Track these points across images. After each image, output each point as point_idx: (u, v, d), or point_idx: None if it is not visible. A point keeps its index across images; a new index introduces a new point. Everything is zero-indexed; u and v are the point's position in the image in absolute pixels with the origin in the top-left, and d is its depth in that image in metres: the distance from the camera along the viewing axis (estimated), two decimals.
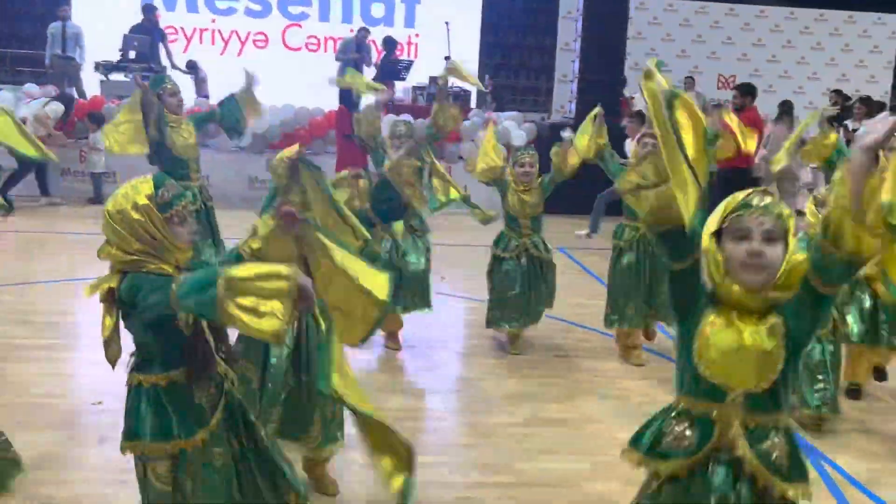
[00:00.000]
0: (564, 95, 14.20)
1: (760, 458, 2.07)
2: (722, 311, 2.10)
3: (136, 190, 2.36)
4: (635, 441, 2.25)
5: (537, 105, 17.53)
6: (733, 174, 8.11)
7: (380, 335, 5.43)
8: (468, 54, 14.49)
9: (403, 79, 12.38)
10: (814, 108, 15.62)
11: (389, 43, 12.83)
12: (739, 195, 2.12)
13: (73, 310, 6.08)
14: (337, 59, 12.78)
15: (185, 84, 12.74)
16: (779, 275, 2.05)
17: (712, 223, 2.10)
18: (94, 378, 4.62)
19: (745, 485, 2.09)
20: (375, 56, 13.02)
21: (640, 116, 8.88)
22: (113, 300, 2.35)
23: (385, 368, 5.23)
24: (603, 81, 11.12)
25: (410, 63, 12.90)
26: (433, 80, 12.34)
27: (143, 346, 2.43)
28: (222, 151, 10.60)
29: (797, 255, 2.07)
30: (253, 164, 10.68)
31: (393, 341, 5.52)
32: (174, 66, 12.54)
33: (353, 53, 12.54)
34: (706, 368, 2.10)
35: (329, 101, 12.20)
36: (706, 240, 2.09)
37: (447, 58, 12.41)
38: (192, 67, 13.02)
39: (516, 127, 11.41)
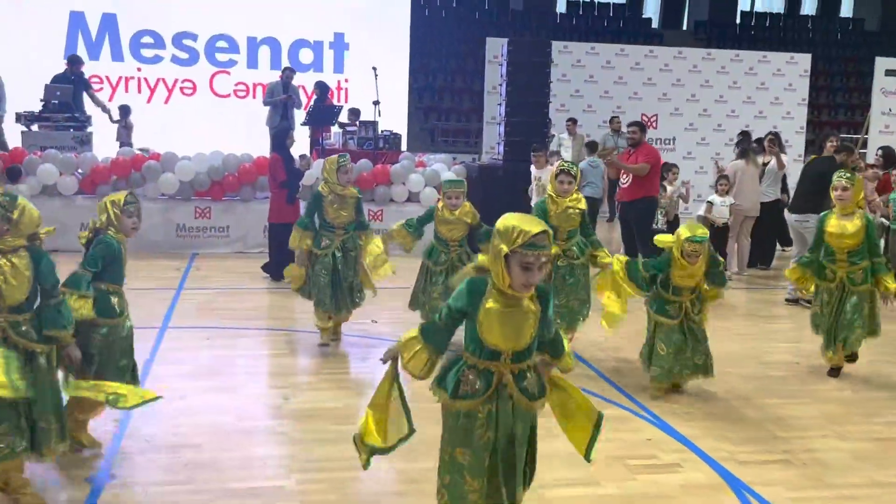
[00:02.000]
0: (493, 137, 14.44)
1: (522, 392, 3.05)
2: (498, 300, 2.95)
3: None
4: (440, 382, 3.10)
5: (468, 146, 17.78)
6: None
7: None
8: (397, 97, 14.68)
9: (334, 124, 12.44)
10: (733, 144, 16.20)
11: (322, 87, 12.90)
12: (530, 233, 2.82)
13: None
14: (265, 103, 12.81)
15: (111, 132, 12.63)
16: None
17: (504, 247, 2.84)
18: None
19: (512, 406, 3.05)
20: (304, 98, 13.08)
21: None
22: None
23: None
24: (529, 123, 11.34)
25: (340, 108, 12.97)
26: (363, 124, 12.42)
27: None
28: (148, 199, 10.45)
29: None
30: (178, 211, 10.54)
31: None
32: (105, 110, 12.37)
33: (280, 95, 12.57)
34: (489, 337, 2.97)
35: (258, 148, 12.20)
36: (497, 261, 2.88)
37: (376, 102, 12.56)
38: (124, 112, 12.88)
39: (446, 168, 11.54)
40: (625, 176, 9.18)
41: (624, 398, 5.51)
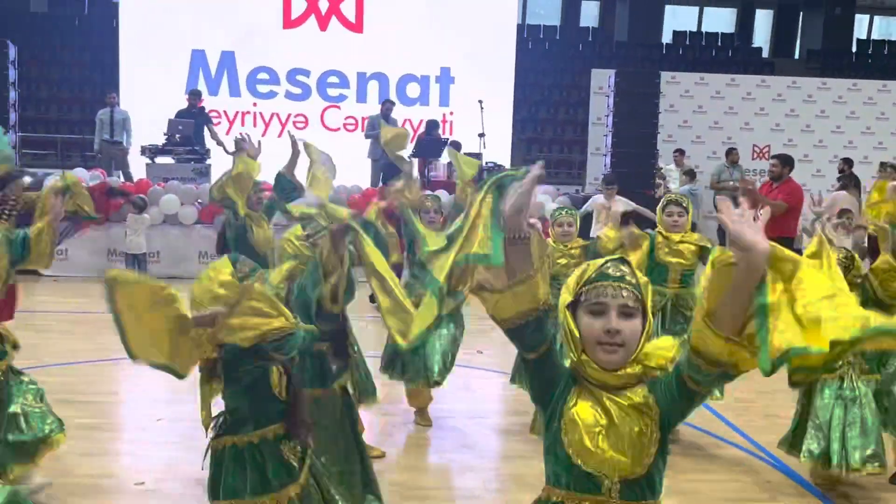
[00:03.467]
0: (598, 168, 14.33)
1: None
2: (585, 391, 1.95)
3: (217, 270, 2.61)
4: None
5: (570, 178, 17.69)
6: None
7: (410, 411, 5.44)
8: (501, 130, 14.78)
9: (439, 156, 12.61)
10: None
11: (432, 124, 13.22)
12: (593, 264, 2.00)
13: (115, 389, 6.18)
14: (366, 136, 13.10)
15: (229, 163, 13.14)
16: (636, 353, 1.93)
17: (567, 294, 1.97)
18: (136, 458, 4.69)
19: None
20: (410, 131, 13.27)
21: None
22: (212, 369, 2.60)
23: (416, 445, 5.22)
24: (636, 153, 11.25)
25: (446, 140, 13.15)
26: (468, 156, 12.53)
27: (237, 410, 2.68)
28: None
29: (664, 339, 1.99)
30: None
31: (423, 417, 5.46)
32: (219, 143, 12.87)
33: (379, 129, 12.82)
34: (577, 455, 1.93)
35: (367, 180, 12.49)
36: (562, 313, 1.97)
37: (481, 134, 12.70)
38: (238, 145, 13.38)
39: (550, 200, 11.52)
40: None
41: (740, 438, 5.33)
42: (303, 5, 14.76)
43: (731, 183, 12.31)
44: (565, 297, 1.97)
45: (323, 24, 14.86)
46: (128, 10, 14.73)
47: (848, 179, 9.90)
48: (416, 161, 12.71)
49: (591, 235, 8.64)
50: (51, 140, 17.40)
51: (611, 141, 11.68)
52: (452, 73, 15.23)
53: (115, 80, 14.53)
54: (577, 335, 1.94)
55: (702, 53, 23.50)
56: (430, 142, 12.73)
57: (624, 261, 2.00)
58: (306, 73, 14.95)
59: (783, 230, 8.47)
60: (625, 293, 1.92)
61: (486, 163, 12.54)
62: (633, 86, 11.51)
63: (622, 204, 9.39)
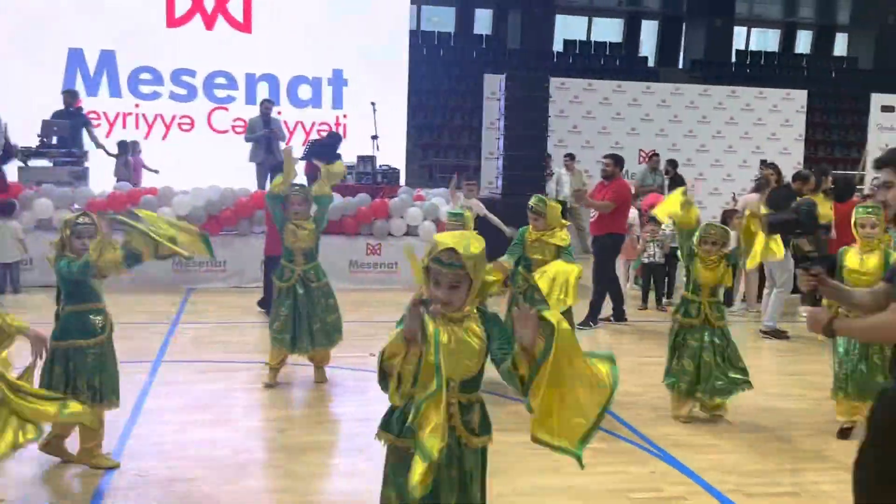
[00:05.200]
0: (492, 172, 14.43)
1: (464, 425, 2.80)
2: (437, 320, 2.73)
3: None
4: (385, 425, 2.86)
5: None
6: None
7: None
8: (395, 133, 14.70)
9: (333, 160, 12.39)
10: (731, 180, 16.24)
11: (335, 137, 13.05)
12: (438, 246, 2.73)
13: None
14: (247, 139, 12.75)
15: (109, 167, 12.58)
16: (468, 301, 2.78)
17: (425, 259, 2.76)
18: None
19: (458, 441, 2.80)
20: (286, 130, 13.03)
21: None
22: None
23: (306, 448, 5.05)
24: (527, 157, 11.37)
25: (339, 138, 12.99)
26: (361, 158, 12.42)
27: None
28: None
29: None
30: None
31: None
32: (98, 146, 12.33)
33: (261, 130, 12.52)
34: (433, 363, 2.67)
35: (254, 183, 12.17)
36: (422, 276, 2.78)
37: (374, 137, 12.57)
38: (122, 148, 12.85)
39: (445, 203, 11.49)
40: (592, 210, 9.13)
41: (627, 430, 5.39)
42: (187, 4, 14.28)
43: (655, 186, 12.70)
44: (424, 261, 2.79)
45: (209, 24, 14.41)
46: (2, 8, 13.90)
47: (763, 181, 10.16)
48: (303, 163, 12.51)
49: None
50: None
51: (503, 144, 11.76)
52: (345, 76, 15.05)
53: None
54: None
55: (591, 61, 24.09)
56: (323, 144, 12.53)
57: (455, 251, 2.71)
58: (192, 74, 14.47)
59: (611, 227, 8.77)
60: (451, 274, 2.72)
61: (381, 166, 12.44)
62: (524, 91, 11.63)
63: (477, 208, 9.46)
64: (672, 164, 13.51)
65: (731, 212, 9.99)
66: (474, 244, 2.74)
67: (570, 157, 14.52)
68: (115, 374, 4.58)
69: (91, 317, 4.42)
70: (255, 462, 4.79)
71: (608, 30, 26.43)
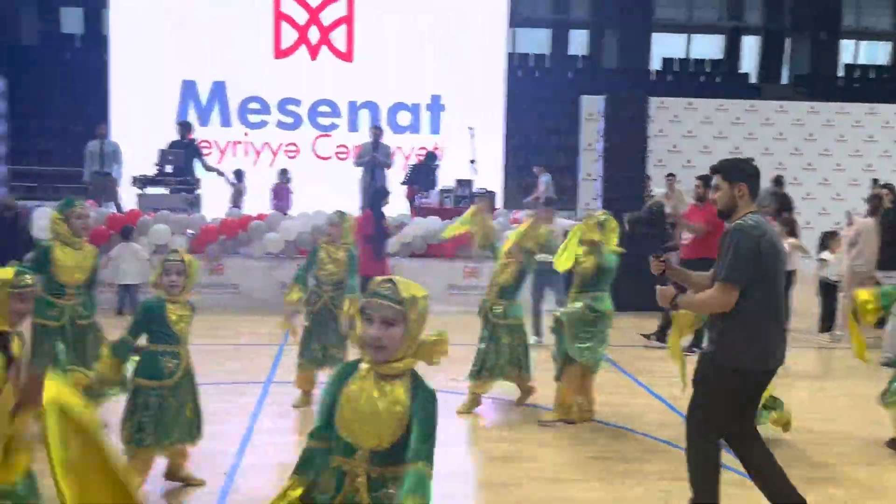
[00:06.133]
0: (590, 193, 14.36)
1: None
2: (360, 378, 2.48)
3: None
4: (301, 472, 2.57)
5: (563, 203, 17.71)
6: None
7: None
8: (493, 157, 14.82)
9: (433, 187, 12.61)
10: (841, 199, 15.65)
11: (431, 156, 13.30)
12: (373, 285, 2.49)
13: None
14: (356, 164, 13.08)
15: (223, 193, 13.06)
16: (399, 353, 2.45)
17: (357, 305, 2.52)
18: None
19: None
20: (391, 156, 13.30)
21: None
22: None
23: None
24: (627, 178, 11.27)
25: (437, 165, 13.21)
26: (458, 182, 12.58)
27: None
28: (253, 258, 10.81)
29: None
30: (283, 269, 10.82)
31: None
32: (209, 169, 12.77)
33: (369, 155, 12.82)
34: (342, 428, 2.45)
35: (356, 206, 12.47)
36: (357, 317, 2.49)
37: (472, 161, 12.72)
38: (238, 176, 13.34)
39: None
40: (685, 232, 8.90)
41: None
42: (293, 36, 14.82)
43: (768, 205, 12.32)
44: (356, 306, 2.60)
45: (314, 54, 14.91)
46: (118, 41, 14.75)
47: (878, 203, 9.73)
48: (405, 188, 12.76)
49: None
50: (41, 172, 17.38)
51: (602, 166, 11.69)
52: (443, 101, 15.28)
53: (106, 112, 14.52)
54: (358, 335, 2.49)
55: (690, 79, 23.69)
56: (423, 170, 12.78)
57: (391, 280, 2.49)
58: (297, 103, 14.97)
59: (705, 251, 8.21)
60: (384, 308, 2.43)
61: (478, 189, 12.56)
62: (623, 111, 11.54)
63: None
64: (777, 181, 13.12)
65: (832, 234, 9.66)
66: (420, 290, 2.53)
67: (672, 176, 14.29)
68: (184, 418, 4.46)
69: (161, 358, 4.36)
70: None
71: (708, 46, 25.96)
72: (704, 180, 8.84)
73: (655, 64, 24.47)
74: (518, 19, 22.10)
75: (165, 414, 4.34)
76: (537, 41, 25.58)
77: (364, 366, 2.50)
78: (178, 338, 4.39)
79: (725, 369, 3.96)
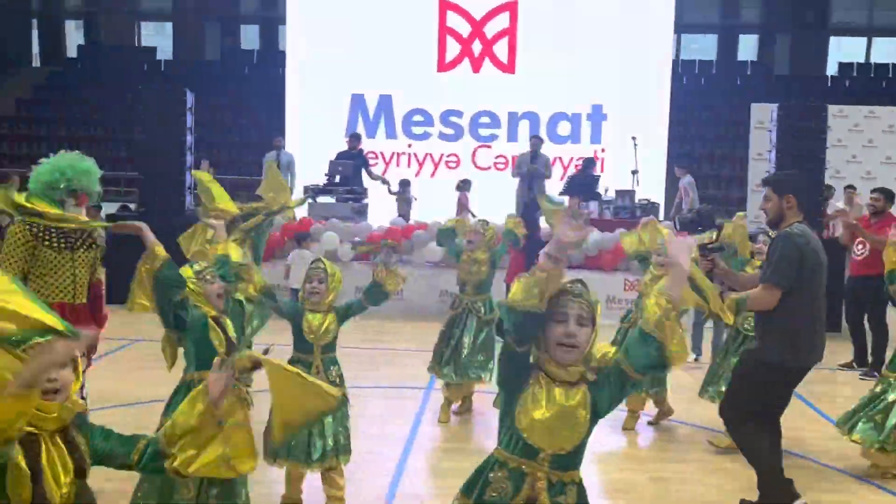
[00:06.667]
0: (758, 204, 13.74)
1: None
2: (540, 382, 2.45)
3: None
4: (467, 489, 2.57)
5: (730, 215, 17.05)
6: None
7: None
8: (655, 167, 14.50)
9: (596, 197, 12.49)
10: None
11: (588, 163, 13.21)
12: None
13: None
14: (514, 175, 13.14)
15: (389, 202, 13.47)
16: (586, 354, 2.45)
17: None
18: None
19: None
20: (550, 167, 13.25)
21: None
22: None
23: None
24: None
25: (598, 178, 13.06)
26: (619, 193, 12.39)
27: None
28: (415, 266, 11.09)
29: (605, 345, 2.53)
30: (443, 277, 11.05)
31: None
32: (373, 178, 13.23)
33: (528, 166, 12.83)
34: (526, 431, 2.43)
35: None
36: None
37: (634, 171, 12.51)
38: (404, 186, 13.76)
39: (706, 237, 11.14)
40: (861, 246, 8.28)
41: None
42: (457, 48, 15.14)
43: None
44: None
45: (476, 67, 15.16)
46: (294, 57, 15.59)
47: None
48: (566, 199, 12.69)
49: None
50: (222, 182, 18.54)
51: None
52: (605, 111, 15.12)
53: (282, 125, 15.37)
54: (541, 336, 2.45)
55: (871, 85, 22.20)
56: (583, 179, 12.68)
57: (581, 281, 2.49)
58: (459, 115, 15.27)
59: (879, 267, 7.68)
60: (579, 306, 2.42)
61: (640, 200, 12.33)
62: (798, 120, 10.99)
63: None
64: None
65: None
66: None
67: (851, 188, 13.46)
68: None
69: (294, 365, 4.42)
70: None
71: (891, 50, 24.22)
72: (885, 193, 8.38)
73: (831, 69, 23.13)
74: (684, 24, 21.52)
75: None
76: (704, 47, 24.76)
77: (541, 370, 2.47)
78: (312, 347, 4.35)
79: (767, 364, 4.41)
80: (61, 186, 4.27)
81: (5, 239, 4.31)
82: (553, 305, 2.39)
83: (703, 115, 20.55)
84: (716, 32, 24.64)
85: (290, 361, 4.21)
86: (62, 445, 2.22)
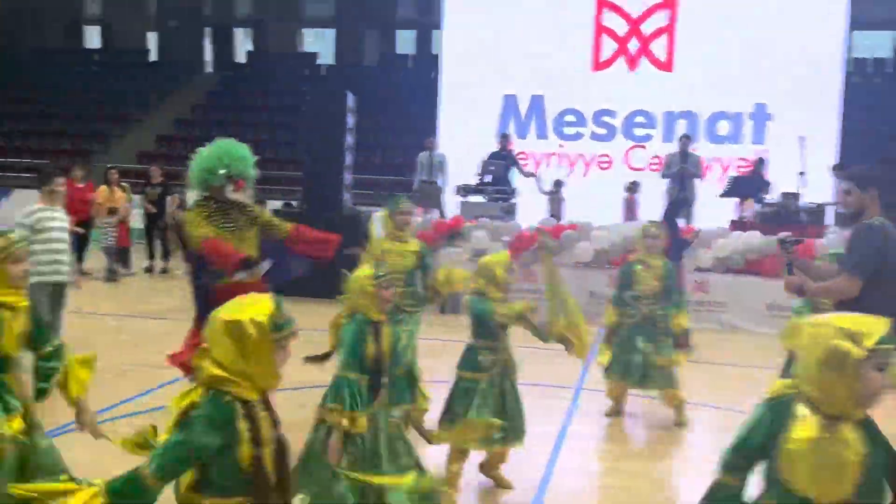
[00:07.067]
0: None
1: None
2: (808, 421, 2.18)
3: (256, 306, 2.35)
4: None
5: None
6: None
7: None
8: (822, 168, 13.69)
9: (761, 200, 11.96)
10: None
11: (760, 164, 12.71)
12: (878, 330, 2.21)
13: None
14: (662, 175, 12.75)
15: (540, 202, 13.43)
16: None
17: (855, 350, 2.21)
18: None
19: None
20: (701, 166, 12.77)
21: None
22: (183, 415, 2.35)
23: None
24: None
25: (768, 183, 12.46)
26: (784, 195, 11.78)
27: (203, 469, 2.39)
28: (564, 266, 10.98)
29: None
30: (591, 279, 10.89)
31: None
32: (526, 174, 13.25)
33: (678, 165, 12.41)
34: (799, 483, 2.16)
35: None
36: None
37: (801, 173, 11.86)
38: (558, 186, 13.71)
39: None
40: None
41: None
42: (612, 47, 14.90)
43: None
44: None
45: (632, 65, 14.87)
46: (449, 61, 15.82)
47: None
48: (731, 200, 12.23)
49: None
50: (375, 181, 19.13)
51: None
52: (769, 110, 14.43)
53: (434, 126, 15.64)
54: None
55: None
56: (750, 181, 12.16)
57: None
58: (612, 114, 15.02)
59: None
60: None
61: (805, 203, 11.68)
62: None
63: None
64: None
65: None
66: None
67: None
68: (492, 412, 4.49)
69: (480, 354, 4.50)
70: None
71: None
72: None
73: None
74: (857, 22, 20.24)
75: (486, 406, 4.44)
76: (878, 44, 23.21)
77: (806, 407, 2.24)
78: (498, 335, 4.52)
79: None
80: (220, 173, 4.54)
81: (185, 223, 4.70)
82: (879, 352, 2.20)
83: (876, 114, 19.24)
84: (891, 29, 23.04)
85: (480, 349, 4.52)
86: (265, 411, 2.40)
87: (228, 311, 2.34)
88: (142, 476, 2.26)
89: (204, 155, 4.62)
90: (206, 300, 4.55)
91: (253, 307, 2.33)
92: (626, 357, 6.19)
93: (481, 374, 4.45)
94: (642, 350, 6.11)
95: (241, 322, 2.28)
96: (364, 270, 3.75)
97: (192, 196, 5.11)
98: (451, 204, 13.22)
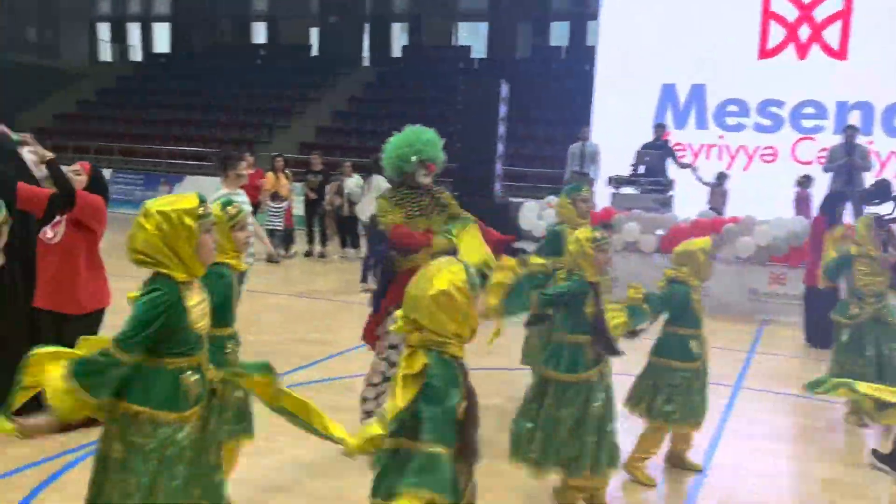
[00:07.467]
0: None
1: None
2: None
3: (453, 274, 2.51)
4: None
5: None
6: None
7: None
8: None
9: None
10: None
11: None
12: None
13: None
14: (825, 169, 11.94)
15: (699, 195, 12.98)
16: None
17: None
18: None
19: None
20: (869, 158, 11.86)
21: None
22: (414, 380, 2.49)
23: None
24: None
25: None
26: None
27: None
28: (722, 262, 10.55)
29: None
30: (752, 275, 10.42)
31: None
32: (682, 166, 12.86)
33: (841, 159, 11.58)
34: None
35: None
36: None
37: None
38: (721, 178, 13.25)
39: None
40: None
41: None
42: (781, 34, 14.14)
43: None
44: None
45: (802, 53, 14.05)
46: (605, 50, 15.50)
47: None
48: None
49: None
50: (524, 173, 19.12)
51: None
52: None
53: (588, 116, 15.38)
54: None
55: None
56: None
57: None
58: (779, 105, 14.24)
59: None
60: None
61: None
62: None
63: None
64: None
65: None
66: None
67: None
68: (700, 399, 4.66)
69: (689, 342, 4.58)
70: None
71: None
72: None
73: None
74: None
75: (691, 395, 4.57)
76: None
77: None
78: (699, 321, 4.66)
79: None
80: (412, 159, 4.64)
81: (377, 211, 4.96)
82: None
83: None
84: None
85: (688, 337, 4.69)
86: None
87: (431, 283, 2.48)
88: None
89: (395, 143, 4.74)
90: (389, 280, 4.75)
91: (451, 275, 2.50)
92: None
93: (694, 362, 4.58)
94: None
95: (448, 291, 2.46)
96: (583, 232, 3.84)
97: (381, 183, 5.25)
98: (603, 195, 12.98)
